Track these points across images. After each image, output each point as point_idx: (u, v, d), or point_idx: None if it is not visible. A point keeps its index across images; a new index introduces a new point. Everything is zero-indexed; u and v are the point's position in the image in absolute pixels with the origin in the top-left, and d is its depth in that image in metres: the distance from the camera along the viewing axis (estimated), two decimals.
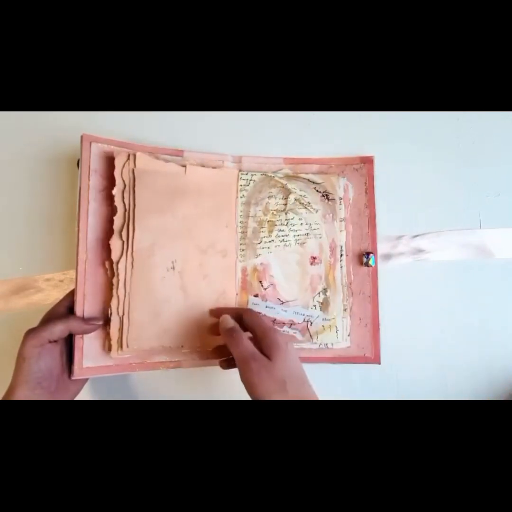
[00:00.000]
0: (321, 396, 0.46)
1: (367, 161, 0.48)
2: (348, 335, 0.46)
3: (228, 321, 0.40)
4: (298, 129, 0.50)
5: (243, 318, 0.40)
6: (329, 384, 0.47)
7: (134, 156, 0.41)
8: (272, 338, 0.37)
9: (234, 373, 0.46)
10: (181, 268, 0.42)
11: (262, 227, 0.46)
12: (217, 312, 0.43)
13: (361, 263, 0.47)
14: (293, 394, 0.35)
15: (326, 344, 0.46)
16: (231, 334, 0.38)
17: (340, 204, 0.47)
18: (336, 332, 0.45)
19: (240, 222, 0.46)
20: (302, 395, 0.36)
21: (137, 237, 0.40)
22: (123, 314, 0.39)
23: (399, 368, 0.47)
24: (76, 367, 0.39)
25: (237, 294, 0.45)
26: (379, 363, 0.45)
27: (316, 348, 0.46)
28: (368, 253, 0.46)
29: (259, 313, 0.42)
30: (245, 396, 0.46)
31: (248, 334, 0.39)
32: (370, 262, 0.46)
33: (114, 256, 0.40)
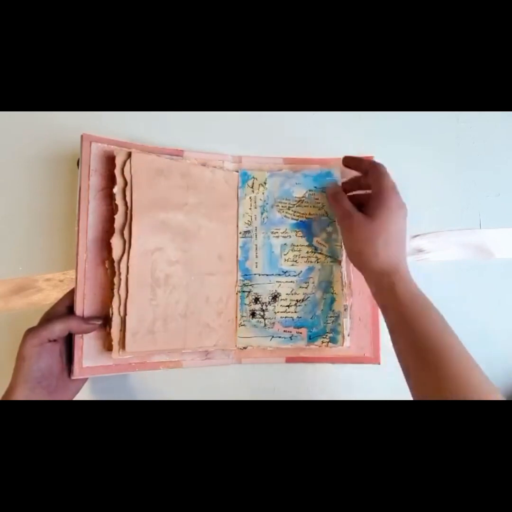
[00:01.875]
0: (321, 396, 0.46)
1: None
2: (348, 335, 0.46)
3: (335, 186, 0.45)
4: (298, 129, 0.50)
5: (368, 173, 0.42)
6: (329, 384, 0.47)
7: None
8: (383, 198, 0.39)
9: (234, 373, 0.46)
10: (183, 266, 0.42)
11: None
12: (347, 161, 0.45)
13: None
14: (382, 248, 0.38)
15: (327, 345, 0.46)
16: (333, 196, 0.43)
17: None
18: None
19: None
20: (392, 253, 0.38)
21: (138, 235, 0.40)
22: (125, 314, 0.39)
23: (399, 368, 0.47)
24: (76, 366, 0.39)
25: (237, 292, 0.46)
26: (379, 363, 0.45)
27: (316, 348, 0.46)
28: None
29: (385, 170, 0.41)
30: (245, 396, 0.46)
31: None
32: None
33: (115, 255, 0.40)
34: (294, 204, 0.46)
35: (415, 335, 0.35)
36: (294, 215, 0.46)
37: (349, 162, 0.45)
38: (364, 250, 0.39)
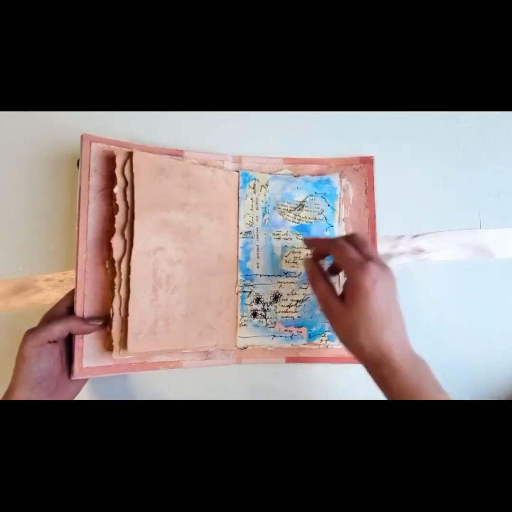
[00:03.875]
0: (321, 396, 0.46)
1: (367, 161, 0.48)
2: None
3: (308, 263, 0.39)
4: (298, 129, 0.50)
5: (331, 254, 0.37)
6: (329, 384, 0.47)
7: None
8: (354, 281, 0.33)
9: (234, 373, 0.46)
10: (184, 266, 0.42)
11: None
12: (308, 242, 0.41)
13: None
14: (366, 340, 0.33)
15: (326, 344, 0.46)
16: (310, 276, 0.38)
17: (340, 204, 0.47)
18: None
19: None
20: (377, 342, 0.33)
21: (139, 235, 0.40)
22: (127, 315, 0.39)
23: None
24: (76, 367, 0.39)
25: (238, 292, 0.46)
26: None
27: (315, 348, 0.46)
28: None
29: (348, 246, 0.36)
30: (245, 396, 0.46)
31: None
32: None
33: (116, 255, 0.39)
34: (295, 208, 0.47)
35: None
36: (294, 218, 0.47)
37: (309, 245, 0.42)
38: (347, 341, 0.35)
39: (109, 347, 0.39)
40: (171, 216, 0.42)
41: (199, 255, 0.43)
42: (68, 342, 0.39)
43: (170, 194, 0.42)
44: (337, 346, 0.46)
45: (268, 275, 0.46)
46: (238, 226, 0.46)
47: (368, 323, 0.33)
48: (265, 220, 0.46)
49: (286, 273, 0.46)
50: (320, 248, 0.39)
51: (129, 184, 0.40)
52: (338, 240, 0.37)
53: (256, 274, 0.46)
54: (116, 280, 0.39)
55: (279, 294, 0.46)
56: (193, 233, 0.43)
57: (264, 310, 0.46)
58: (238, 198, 0.46)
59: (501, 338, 0.48)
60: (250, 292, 0.46)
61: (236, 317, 0.46)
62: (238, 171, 0.47)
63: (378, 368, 0.34)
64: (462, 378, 0.48)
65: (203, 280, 0.43)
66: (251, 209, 0.46)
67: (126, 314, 0.39)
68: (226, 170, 0.46)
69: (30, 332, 0.36)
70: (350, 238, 0.37)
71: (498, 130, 0.51)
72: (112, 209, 0.41)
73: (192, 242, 0.43)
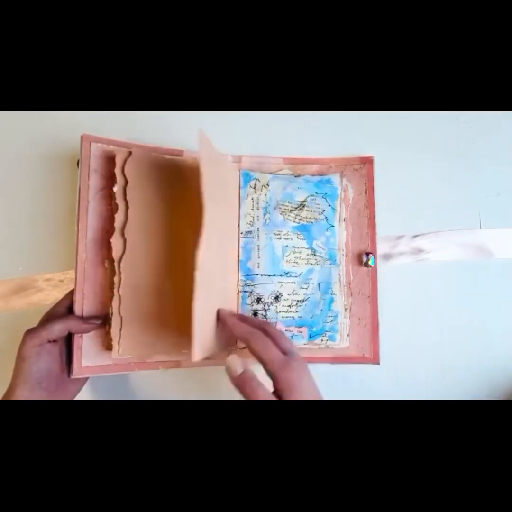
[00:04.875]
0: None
1: (367, 162, 0.48)
2: (347, 335, 0.46)
3: (236, 366, 0.35)
4: (298, 129, 0.50)
5: (249, 346, 0.36)
6: (328, 384, 0.47)
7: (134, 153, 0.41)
8: (282, 379, 0.34)
9: None
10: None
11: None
12: (224, 319, 0.39)
13: (361, 263, 0.47)
14: None
15: (326, 344, 0.46)
16: (243, 383, 0.34)
17: (340, 204, 0.47)
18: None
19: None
20: None
21: (138, 235, 0.40)
22: (126, 314, 0.39)
23: (398, 368, 0.47)
24: (75, 365, 0.39)
25: (238, 292, 0.46)
26: (378, 363, 0.45)
27: (316, 348, 0.46)
28: (367, 253, 0.46)
29: (268, 342, 0.36)
30: None
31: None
32: (370, 262, 0.46)
33: (116, 254, 0.39)
34: (296, 208, 0.47)
35: None
36: (295, 218, 0.47)
37: (224, 319, 0.39)
38: None
39: (108, 347, 0.39)
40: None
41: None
42: (68, 342, 0.39)
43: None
44: (337, 346, 0.46)
45: (269, 275, 0.46)
46: (239, 225, 0.46)
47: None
48: (266, 220, 0.46)
49: (286, 273, 0.46)
50: (239, 335, 0.38)
51: (129, 184, 0.40)
52: (257, 334, 0.36)
53: (257, 274, 0.46)
54: (115, 280, 0.39)
55: (279, 294, 0.46)
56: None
57: (265, 310, 0.45)
58: (239, 197, 0.46)
59: (501, 338, 0.48)
60: (251, 292, 0.46)
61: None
62: (238, 170, 0.47)
63: None
64: (462, 378, 0.48)
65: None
66: (252, 209, 0.46)
67: (127, 313, 0.39)
68: (227, 169, 0.46)
69: (30, 332, 0.36)
70: (267, 330, 0.37)
71: (498, 130, 0.51)
72: (111, 209, 0.41)
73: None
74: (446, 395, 0.47)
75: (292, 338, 0.45)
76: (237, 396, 0.42)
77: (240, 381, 0.35)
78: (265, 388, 0.34)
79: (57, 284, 0.45)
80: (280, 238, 0.46)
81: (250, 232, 0.46)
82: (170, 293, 0.42)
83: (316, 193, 0.47)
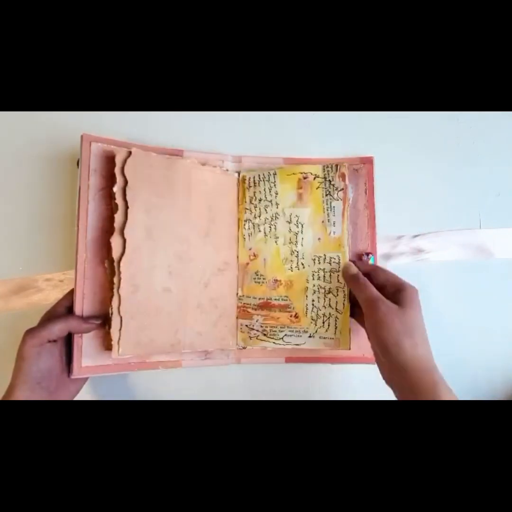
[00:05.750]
0: (321, 396, 0.46)
1: (367, 162, 0.48)
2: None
3: (352, 267, 0.42)
4: (298, 129, 0.50)
5: (372, 275, 0.41)
6: (328, 384, 0.47)
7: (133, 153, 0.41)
8: (408, 291, 0.38)
9: (234, 373, 0.46)
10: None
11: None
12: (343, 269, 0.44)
13: None
14: (420, 342, 0.36)
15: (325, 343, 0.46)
16: (356, 279, 0.41)
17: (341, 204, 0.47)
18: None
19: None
20: (429, 349, 0.37)
21: (138, 234, 0.40)
22: (126, 314, 0.39)
23: None
24: (75, 365, 0.39)
25: (238, 293, 0.46)
26: None
27: (316, 348, 0.46)
28: (367, 253, 0.46)
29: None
30: (245, 396, 0.46)
31: None
32: (370, 262, 0.46)
33: (116, 254, 0.39)
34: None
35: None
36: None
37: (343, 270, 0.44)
38: (402, 342, 0.36)
39: (107, 346, 0.39)
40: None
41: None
42: (68, 342, 0.39)
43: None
44: (337, 347, 0.45)
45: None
46: (239, 227, 0.46)
47: (423, 330, 0.37)
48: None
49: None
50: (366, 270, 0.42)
51: (129, 183, 0.40)
52: (378, 268, 0.42)
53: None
54: (115, 279, 0.39)
55: None
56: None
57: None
58: (239, 198, 0.46)
59: (501, 338, 0.48)
60: None
61: (236, 317, 0.46)
62: (238, 172, 0.47)
63: (430, 372, 0.35)
64: (462, 378, 0.48)
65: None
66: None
67: (127, 313, 0.39)
68: (226, 171, 0.46)
69: (30, 332, 0.36)
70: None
71: (498, 130, 0.51)
72: (111, 209, 0.41)
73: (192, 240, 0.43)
74: None
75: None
76: (237, 396, 0.43)
77: (354, 279, 0.41)
78: (374, 288, 0.39)
79: (57, 284, 0.45)
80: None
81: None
82: (170, 293, 0.42)
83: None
